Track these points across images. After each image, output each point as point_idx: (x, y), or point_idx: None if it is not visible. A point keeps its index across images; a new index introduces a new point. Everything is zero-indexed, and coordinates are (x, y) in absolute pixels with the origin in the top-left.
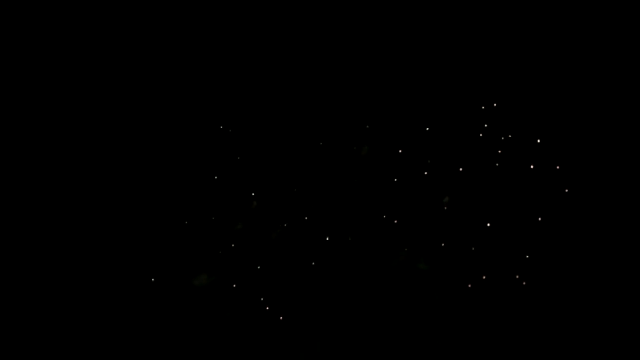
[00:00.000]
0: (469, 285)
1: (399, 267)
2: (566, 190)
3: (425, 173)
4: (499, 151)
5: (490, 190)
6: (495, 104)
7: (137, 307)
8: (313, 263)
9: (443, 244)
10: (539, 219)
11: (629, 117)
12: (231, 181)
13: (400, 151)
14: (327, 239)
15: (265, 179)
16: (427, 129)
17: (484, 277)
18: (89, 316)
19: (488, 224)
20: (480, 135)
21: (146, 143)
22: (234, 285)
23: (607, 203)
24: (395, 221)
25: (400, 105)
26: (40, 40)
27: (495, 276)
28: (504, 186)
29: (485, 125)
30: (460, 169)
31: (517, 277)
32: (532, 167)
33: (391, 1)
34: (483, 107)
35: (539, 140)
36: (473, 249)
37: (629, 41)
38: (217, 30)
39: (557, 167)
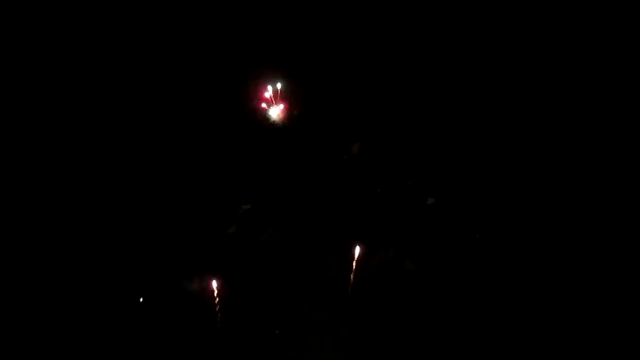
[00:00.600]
0: (455, 284)
1: (386, 267)
2: (555, 199)
3: (409, 183)
4: (490, 156)
5: (475, 193)
6: (490, 110)
7: (130, 309)
8: (303, 261)
9: (429, 244)
10: (524, 219)
11: (621, 135)
12: (223, 185)
13: (387, 157)
14: (317, 238)
15: (257, 181)
16: (417, 133)
17: (470, 276)
18: (83, 319)
19: (473, 226)
20: (472, 140)
21: (141, 148)
22: (227, 289)
23: (599, 213)
24: (383, 222)
25: (391, 111)
26: (40, 41)
27: (481, 275)
28: (490, 189)
29: (479, 132)
30: (448, 173)
31: (503, 274)
32: (524, 176)
33: (388, 5)
34: (477, 112)
35: (533, 151)
36: (459, 248)
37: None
38: (213, 32)
39: (553, 177)
